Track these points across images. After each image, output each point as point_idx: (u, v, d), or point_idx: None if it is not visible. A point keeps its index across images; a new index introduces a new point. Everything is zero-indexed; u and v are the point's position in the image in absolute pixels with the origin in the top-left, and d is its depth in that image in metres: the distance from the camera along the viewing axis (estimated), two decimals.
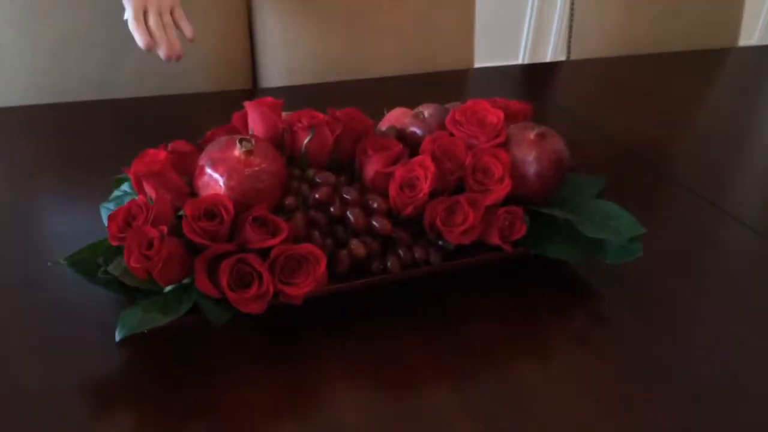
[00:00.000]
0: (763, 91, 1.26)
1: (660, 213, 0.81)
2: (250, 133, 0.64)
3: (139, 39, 0.85)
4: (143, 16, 0.85)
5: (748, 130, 1.08)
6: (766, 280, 0.70)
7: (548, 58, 2.45)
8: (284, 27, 1.16)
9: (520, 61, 2.51)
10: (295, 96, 1.10)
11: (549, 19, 2.40)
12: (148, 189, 0.57)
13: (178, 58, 0.87)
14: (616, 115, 1.08)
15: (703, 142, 1.02)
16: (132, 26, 0.85)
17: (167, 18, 0.88)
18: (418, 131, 0.66)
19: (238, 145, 0.57)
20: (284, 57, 1.17)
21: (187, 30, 0.90)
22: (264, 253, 0.54)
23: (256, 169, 0.57)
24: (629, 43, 1.41)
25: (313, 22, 1.17)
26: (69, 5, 1.05)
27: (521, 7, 2.38)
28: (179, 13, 0.89)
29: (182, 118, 0.99)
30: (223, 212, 0.54)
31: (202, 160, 0.58)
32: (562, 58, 1.46)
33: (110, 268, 0.54)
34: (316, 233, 0.58)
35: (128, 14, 0.85)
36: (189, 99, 1.06)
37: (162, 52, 0.86)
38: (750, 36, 2.68)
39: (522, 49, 2.49)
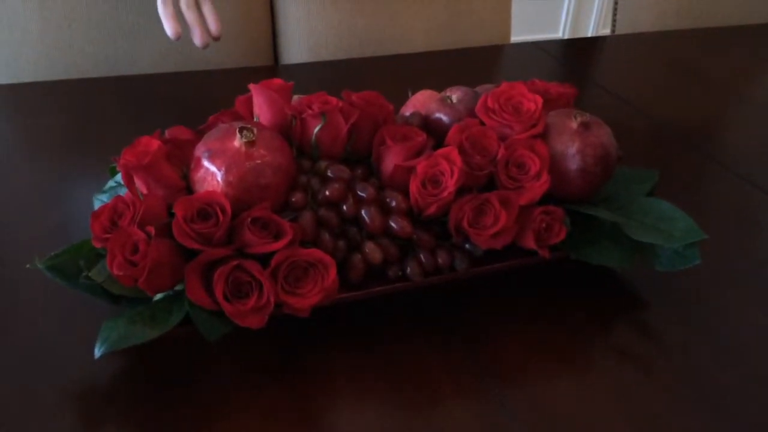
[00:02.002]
0: None
1: (717, 207, 0.72)
2: (255, 120, 0.57)
3: (168, 26, 0.78)
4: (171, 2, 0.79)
5: None
6: None
7: (591, 32, 2.33)
8: (310, 2, 1.08)
9: (560, 35, 2.39)
10: (317, 73, 1.03)
11: None
12: (139, 183, 0.51)
13: (216, 38, 0.81)
14: (666, 97, 0.99)
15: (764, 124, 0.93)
16: (161, 11, 0.79)
17: (197, 8, 0.81)
18: (445, 118, 0.58)
19: (238, 134, 0.50)
20: (307, 32, 1.10)
21: (213, 25, 0.81)
22: (265, 259, 0.48)
23: (259, 162, 0.50)
24: (680, 16, 1.31)
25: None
26: None
27: None
28: (209, 7, 0.81)
29: (199, 97, 0.92)
30: (219, 212, 0.48)
31: (199, 150, 0.51)
32: (606, 31, 1.36)
33: (92, 274, 0.48)
34: (326, 235, 0.52)
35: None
36: (207, 76, 0.99)
37: (196, 38, 0.79)
38: None
39: (563, 21, 2.36)
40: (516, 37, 1.24)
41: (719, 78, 1.06)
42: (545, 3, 2.26)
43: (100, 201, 0.58)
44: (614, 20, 1.31)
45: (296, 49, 1.11)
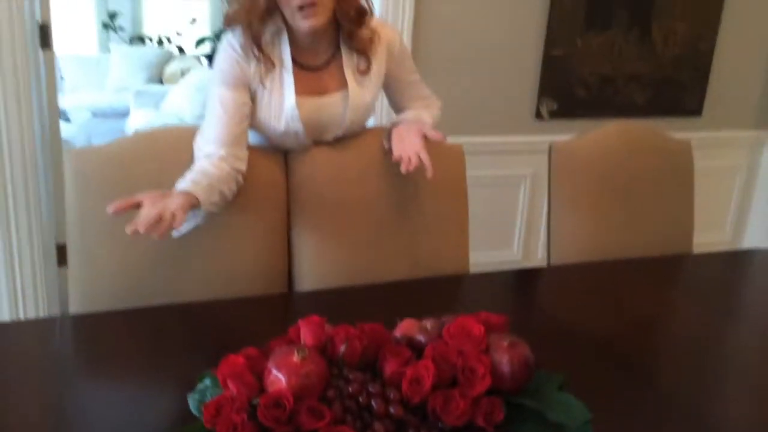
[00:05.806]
0: (711, 293, 1.50)
1: (616, 401, 1.02)
2: (302, 342, 0.88)
3: (116, 207, 1.08)
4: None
5: (707, 329, 1.31)
6: None
7: (540, 252, 2.74)
8: (318, 243, 1.44)
9: (514, 250, 2.80)
10: (325, 300, 1.35)
11: (537, 222, 2.73)
12: (231, 385, 0.80)
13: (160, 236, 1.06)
14: (588, 317, 1.32)
15: (664, 340, 1.25)
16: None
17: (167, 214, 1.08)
18: (423, 339, 0.90)
19: (296, 353, 0.81)
20: (316, 265, 1.44)
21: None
22: None
23: (308, 370, 0.80)
24: (601, 249, 1.68)
25: (342, 241, 1.45)
26: None
27: (512, 212, 2.72)
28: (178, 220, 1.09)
29: (230, 321, 1.22)
30: (286, 403, 0.77)
31: (270, 363, 0.81)
32: None
33: None
34: (349, 417, 0.80)
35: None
36: (234, 304, 1.30)
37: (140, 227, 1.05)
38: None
39: (516, 242, 2.79)
40: (475, 253, 1.55)
41: (629, 300, 1.41)
42: (500, 230, 2.70)
43: (193, 399, 0.87)
44: (549, 253, 1.68)
45: (307, 277, 1.44)
